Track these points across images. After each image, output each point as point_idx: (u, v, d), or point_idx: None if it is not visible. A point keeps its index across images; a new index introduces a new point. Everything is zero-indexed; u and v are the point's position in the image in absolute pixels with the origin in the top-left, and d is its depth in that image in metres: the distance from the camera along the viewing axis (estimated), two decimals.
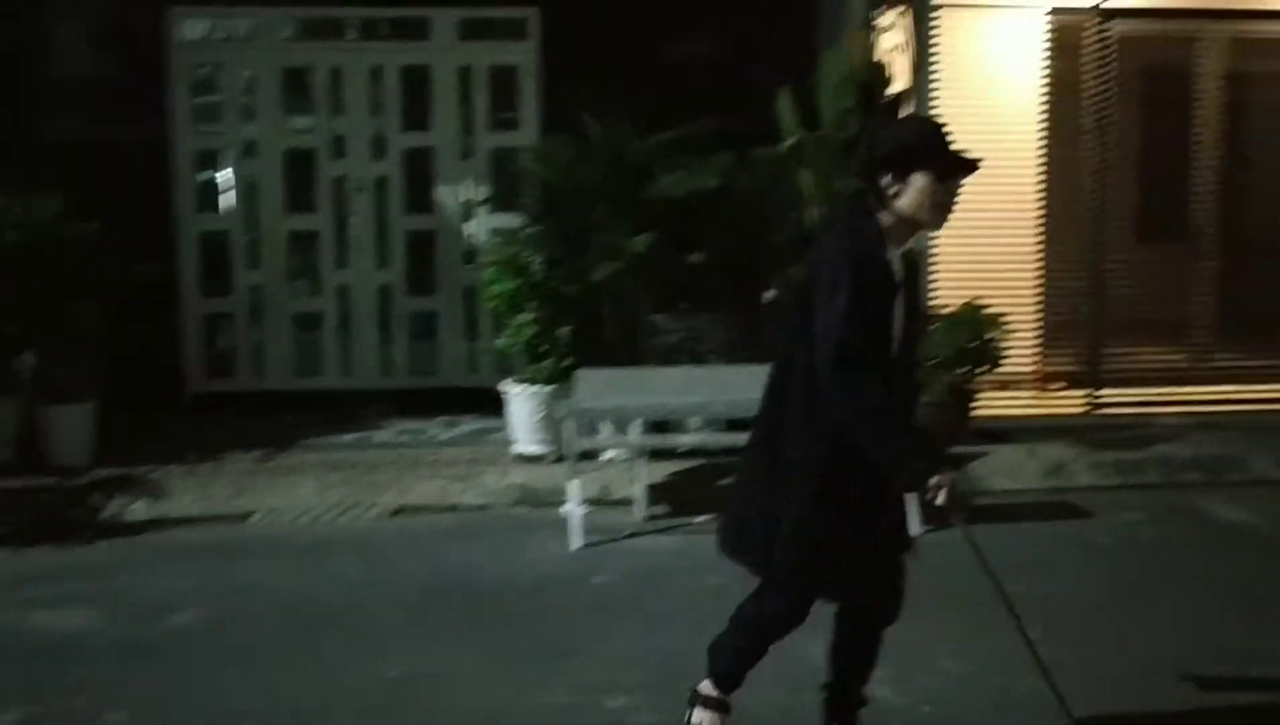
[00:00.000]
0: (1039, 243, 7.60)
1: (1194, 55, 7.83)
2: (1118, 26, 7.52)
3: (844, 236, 3.03)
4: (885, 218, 3.02)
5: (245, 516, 6.06)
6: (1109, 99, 7.57)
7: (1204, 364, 7.88)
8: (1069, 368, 7.78)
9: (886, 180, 3.00)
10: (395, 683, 4.06)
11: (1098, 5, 7.46)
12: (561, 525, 5.64)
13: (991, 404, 7.24)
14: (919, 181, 2.98)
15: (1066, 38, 7.55)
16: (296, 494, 6.27)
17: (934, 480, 2.89)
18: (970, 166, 3.03)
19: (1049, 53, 7.51)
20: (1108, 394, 7.62)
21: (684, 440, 6.51)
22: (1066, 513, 6.04)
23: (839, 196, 6.74)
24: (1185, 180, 7.89)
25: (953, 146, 3.04)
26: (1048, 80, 7.51)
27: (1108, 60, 7.54)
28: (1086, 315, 7.71)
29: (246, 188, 8.18)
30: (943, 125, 3.09)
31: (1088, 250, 7.65)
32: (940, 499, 2.90)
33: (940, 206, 3.02)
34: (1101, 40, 7.52)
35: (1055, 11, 7.49)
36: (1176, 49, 7.86)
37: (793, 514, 3.02)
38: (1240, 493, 6.37)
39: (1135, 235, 8.02)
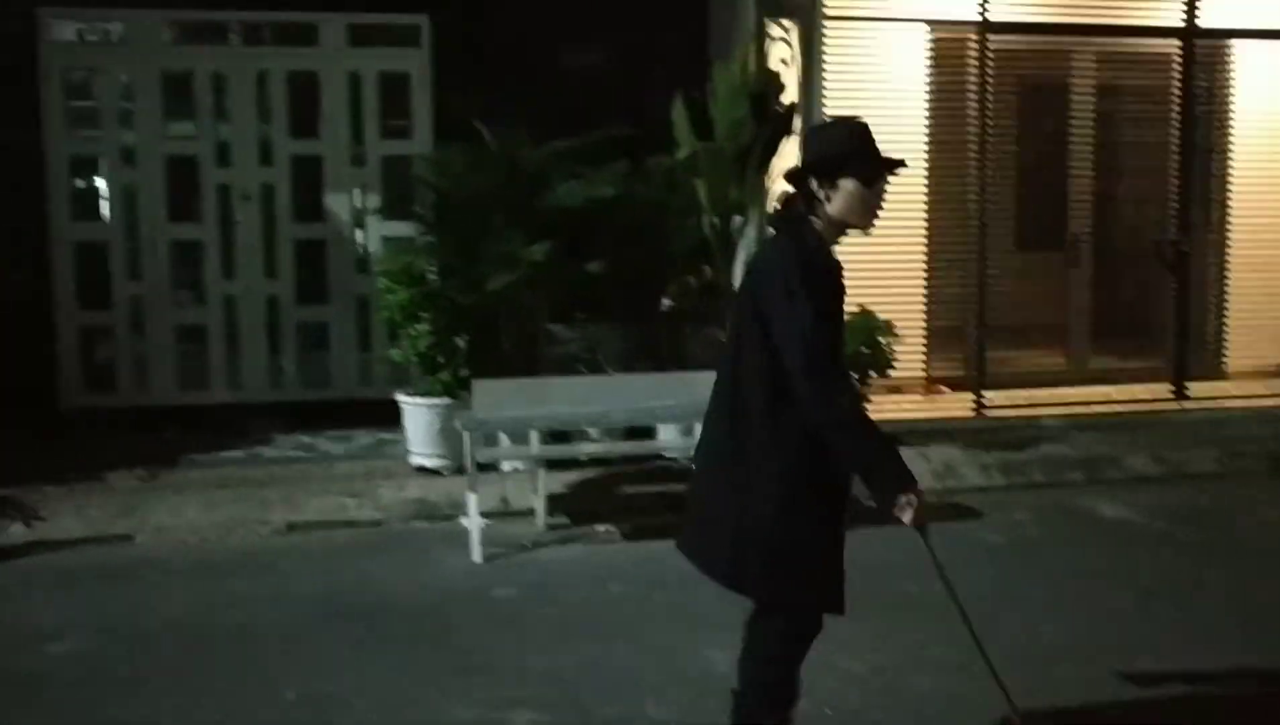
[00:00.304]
0: (924, 251, 7.80)
1: (1068, 69, 8.15)
2: (996, 41, 7.78)
3: (789, 242, 3.04)
4: (817, 221, 3.05)
5: (129, 537, 5.84)
6: (989, 111, 7.82)
7: (1082, 367, 8.20)
8: (954, 372, 8.01)
9: (815, 185, 3.03)
10: (293, 705, 3.95)
11: (977, 20, 7.70)
12: (461, 538, 5.57)
13: (882, 408, 7.39)
14: (847, 185, 3.01)
15: (948, 51, 7.79)
16: (183, 513, 6.07)
17: (904, 499, 2.88)
18: (895, 167, 3.07)
19: (931, 66, 7.73)
20: (992, 397, 7.86)
21: (583, 450, 6.50)
22: (958, 513, 6.21)
23: (734, 205, 6.83)
24: (1062, 190, 8.21)
25: (878, 149, 3.07)
26: (931, 92, 7.72)
27: (987, 73, 7.79)
28: (970, 321, 7.95)
29: (126, 195, 7.90)
30: (869, 128, 3.09)
31: (970, 258, 7.88)
32: (907, 518, 2.89)
33: (869, 209, 3.06)
34: (981, 54, 7.76)
35: (937, 25, 7.72)
36: (1052, 63, 8.17)
37: (764, 517, 2.96)
38: (1119, 490, 6.65)
39: (1015, 243, 8.32)
